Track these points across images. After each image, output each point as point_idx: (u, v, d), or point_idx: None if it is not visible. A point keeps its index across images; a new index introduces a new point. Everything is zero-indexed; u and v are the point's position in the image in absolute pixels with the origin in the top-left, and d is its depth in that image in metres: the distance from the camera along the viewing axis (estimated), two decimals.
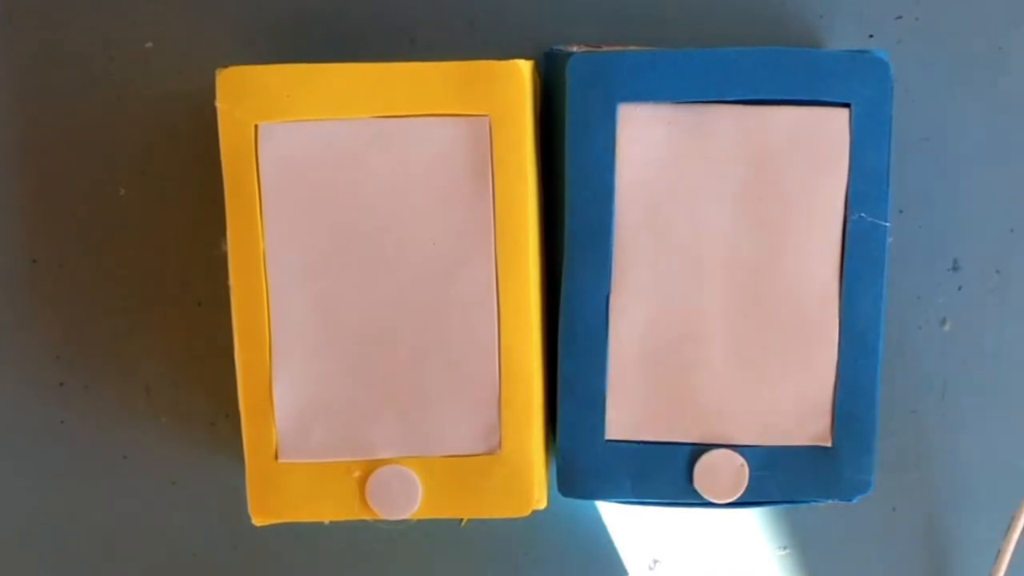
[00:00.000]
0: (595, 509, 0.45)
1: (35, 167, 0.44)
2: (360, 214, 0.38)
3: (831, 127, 0.38)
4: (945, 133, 0.43)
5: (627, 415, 0.39)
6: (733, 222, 0.38)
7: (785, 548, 0.45)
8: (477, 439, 0.38)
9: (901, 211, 0.43)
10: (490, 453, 0.38)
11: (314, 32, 0.43)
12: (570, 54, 0.38)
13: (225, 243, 0.38)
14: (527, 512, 0.38)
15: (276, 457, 0.38)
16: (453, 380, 0.38)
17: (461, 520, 0.44)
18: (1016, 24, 0.43)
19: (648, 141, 0.38)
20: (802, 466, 0.38)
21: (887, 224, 0.38)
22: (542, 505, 0.40)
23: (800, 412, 0.38)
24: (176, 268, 0.44)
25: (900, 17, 0.43)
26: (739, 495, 0.38)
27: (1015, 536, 0.43)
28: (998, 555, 0.43)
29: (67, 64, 0.44)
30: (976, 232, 0.44)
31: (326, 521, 0.39)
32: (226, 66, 0.37)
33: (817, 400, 0.38)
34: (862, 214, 0.38)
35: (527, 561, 0.45)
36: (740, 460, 0.38)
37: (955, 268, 0.44)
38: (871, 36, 0.42)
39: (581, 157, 0.38)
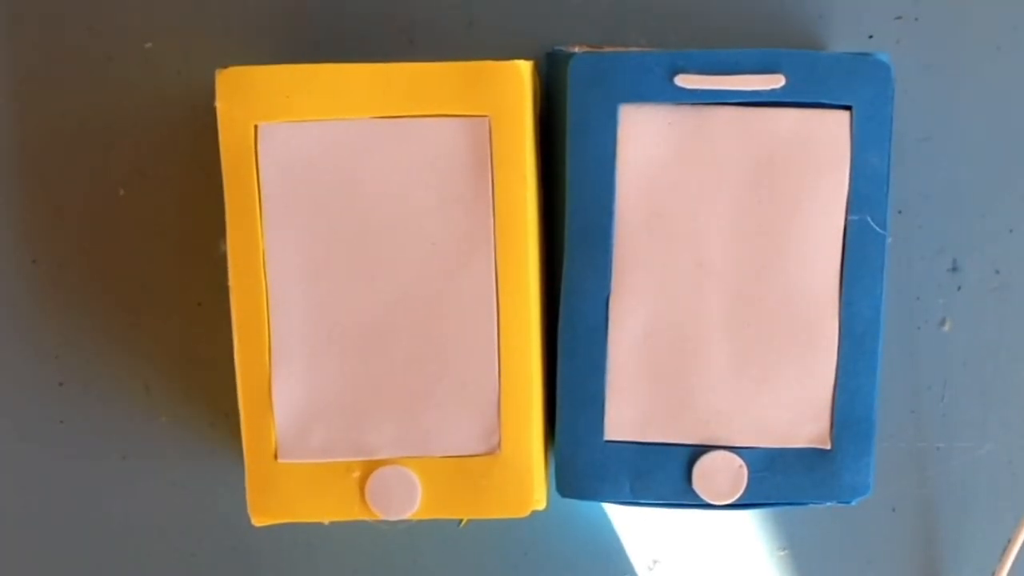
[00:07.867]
0: (594, 510, 0.45)
1: (35, 167, 0.44)
2: (360, 214, 0.37)
3: (832, 129, 0.38)
4: (945, 133, 0.43)
5: (626, 416, 0.39)
6: (733, 224, 0.38)
7: (784, 549, 0.45)
8: (477, 439, 0.38)
9: (900, 211, 0.43)
10: (489, 453, 0.38)
11: (314, 32, 0.43)
12: (571, 55, 0.38)
13: (225, 243, 0.38)
14: (526, 512, 0.38)
15: (276, 457, 0.38)
16: (453, 380, 0.38)
17: (460, 520, 0.44)
18: (1016, 24, 0.43)
19: (649, 142, 0.38)
20: (801, 468, 0.38)
21: (886, 233, 0.38)
22: (541, 506, 0.40)
23: (799, 414, 0.38)
24: (176, 268, 0.44)
25: (900, 17, 0.43)
26: (738, 497, 0.38)
27: (1020, 538, 0.42)
28: (1002, 555, 0.43)
29: (67, 64, 0.43)
30: (975, 232, 0.44)
31: (325, 521, 0.39)
32: (226, 66, 0.37)
33: (816, 402, 0.38)
34: (862, 217, 0.38)
35: (526, 561, 0.45)
36: (739, 462, 0.38)
37: (954, 268, 0.44)
38: (871, 37, 0.42)
39: (582, 158, 0.38)
